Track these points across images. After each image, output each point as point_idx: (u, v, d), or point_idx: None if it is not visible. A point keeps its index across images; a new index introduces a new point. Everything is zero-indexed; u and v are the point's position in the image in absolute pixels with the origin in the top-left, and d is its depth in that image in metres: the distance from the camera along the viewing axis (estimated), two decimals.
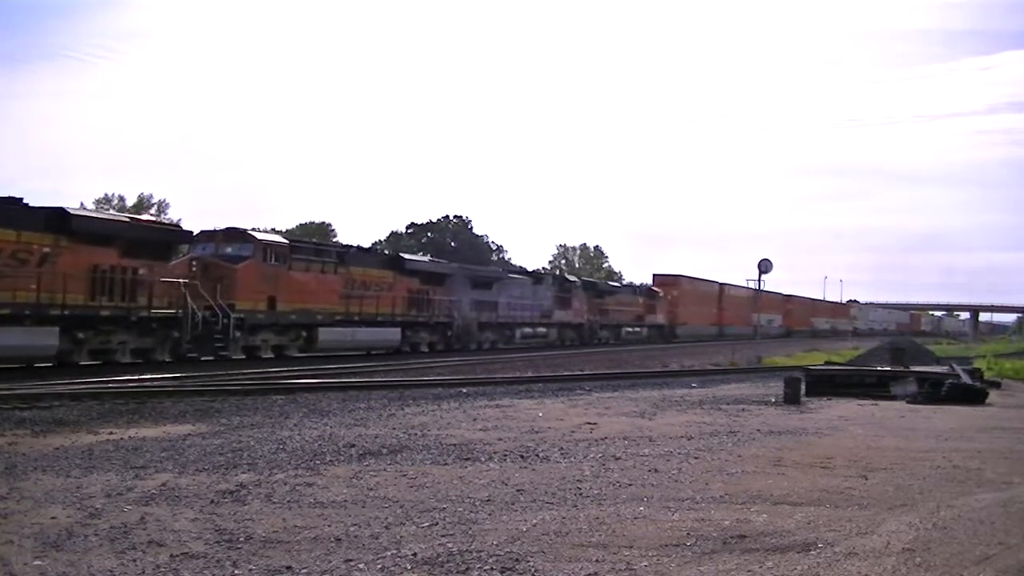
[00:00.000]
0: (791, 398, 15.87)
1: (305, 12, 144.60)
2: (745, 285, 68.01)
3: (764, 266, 35.65)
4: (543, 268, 50.75)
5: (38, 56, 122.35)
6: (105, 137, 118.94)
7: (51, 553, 5.10)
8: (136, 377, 16.60)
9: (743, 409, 14.59)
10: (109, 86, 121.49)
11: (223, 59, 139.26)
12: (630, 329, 51.55)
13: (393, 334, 29.56)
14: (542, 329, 41.47)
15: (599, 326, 47.17)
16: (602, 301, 48.20)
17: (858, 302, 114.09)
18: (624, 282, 69.93)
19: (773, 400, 16.20)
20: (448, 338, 32.96)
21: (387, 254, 36.93)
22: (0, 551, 5.15)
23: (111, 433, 9.95)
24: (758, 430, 11.76)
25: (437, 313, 32.16)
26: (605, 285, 53.34)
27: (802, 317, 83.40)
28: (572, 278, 47.99)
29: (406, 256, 33.77)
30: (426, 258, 39.82)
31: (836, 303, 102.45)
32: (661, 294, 56.98)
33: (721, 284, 66.61)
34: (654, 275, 61.44)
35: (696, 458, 9.21)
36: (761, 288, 41.12)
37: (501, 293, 37.30)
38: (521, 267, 55.80)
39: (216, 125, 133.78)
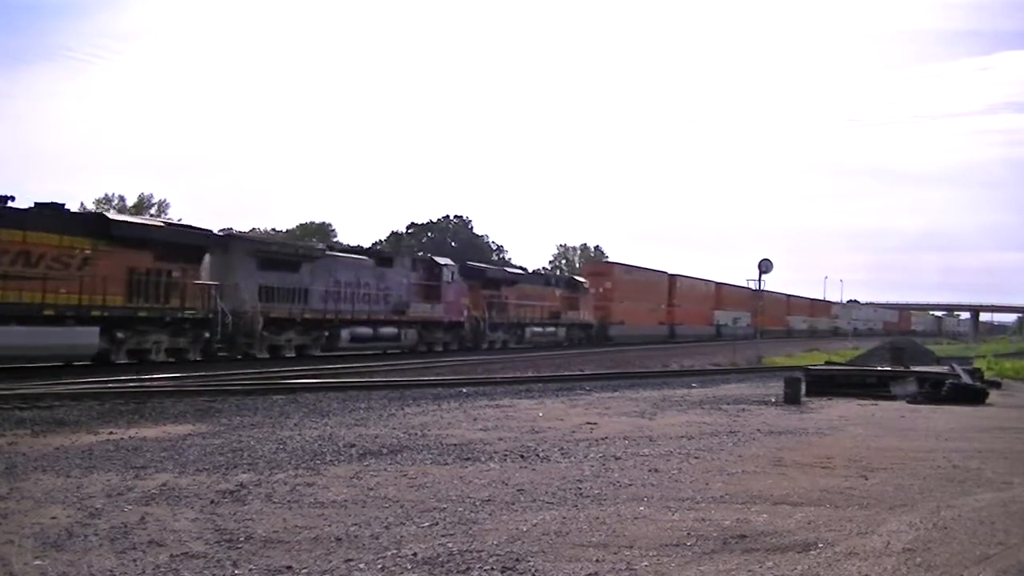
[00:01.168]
0: (791, 398, 15.87)
1: (305, 12, 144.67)
2: (703, 278, 62.58)
3: (764, 266, 35.63)
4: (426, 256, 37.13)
5: (38, 56, 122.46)
6: (105, 137, 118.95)
7: (51, 553, 5.10)
8: (136, 377, 16.61)
9: (743, 409, 14.59)
10: (109, 86, 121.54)
11: (223, 59, 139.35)
12: (539, 329, 40.13)
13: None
14: (390, 329, 29.70)
15: (491, 325, 36.19)
16: (495, 293, 37.11)
17: (858, 302, 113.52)
18: (541, 270, 59.30)
19: (773, 400, 16.19)
20: (207, 343, 22.52)
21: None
22: (0, 551, 5.14)
23: (111, 433, 9.94)
24: (758, 430, 11.76)
25: (182, 302, 21.61)
26: (500, 272, 41.31)
27: (776, 315, 72.61)
28: (444, 261, 34.21)
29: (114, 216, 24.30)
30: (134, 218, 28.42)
31: (815, 300, 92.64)
32: (587, 285, 45.95)
33: (672, 275, 57.47)
34: (584, 264, 54.63)
35: (696, 458, 9.21)
36: (762, 288, 40.10)
37: (315, 278, 26.51)
38: (359, 246, 39.55)
39: (216, 125, 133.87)
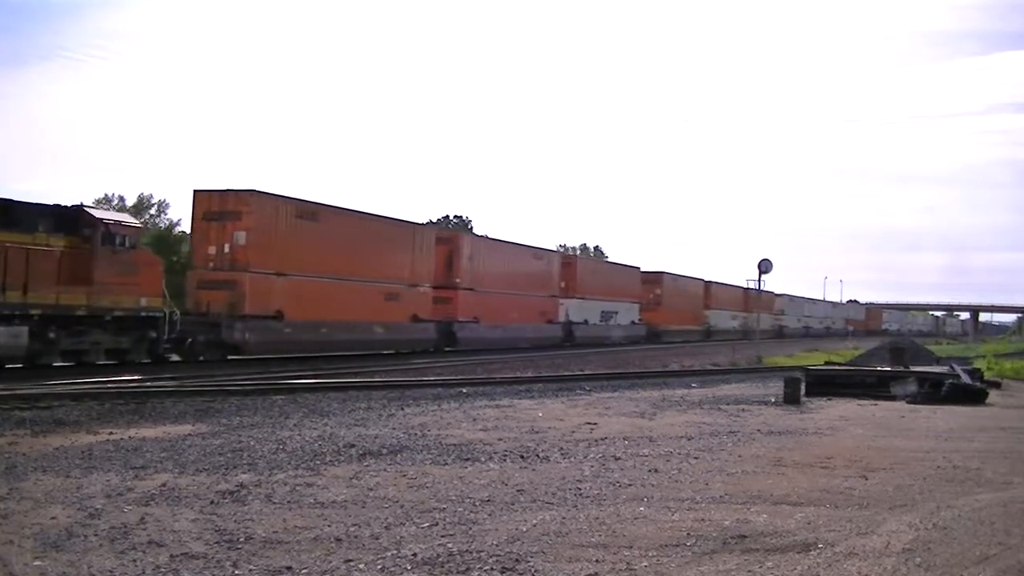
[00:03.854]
0: (791, 398, 15.86)
1: (305, 11, 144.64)
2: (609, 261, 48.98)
3: (764, 266, 35.57)
4: None
5: (36, 56, 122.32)
6: (104, 137, 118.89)
7: (51, 553, 5.10)
8: (136, 377, 16.59)
9: (743, 409, 14.58)
10: (108, 86, 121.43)
11: (223, 59, 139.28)
12: None
13: None
14: None
15: None
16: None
17: (858, 301, 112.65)
18: None
19: (773, 400, 16.19)
20: None
21: None
22: (0, 551, 5.14)
23: (111, 433, 9.94)
24: (758, 430, 11.76)
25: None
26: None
27: (686, 309, 55.24)
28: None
29: None
30: None
31: (750, 290, 55.77)
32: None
33: (567, 256, 46.35)
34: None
35: (696, 458, 9.21)
36: (761, 288, 39.03)
37: None
38: None
39: (215, 125, 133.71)
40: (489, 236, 37.29)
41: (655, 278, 51.84)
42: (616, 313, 45.70)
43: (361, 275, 27.32)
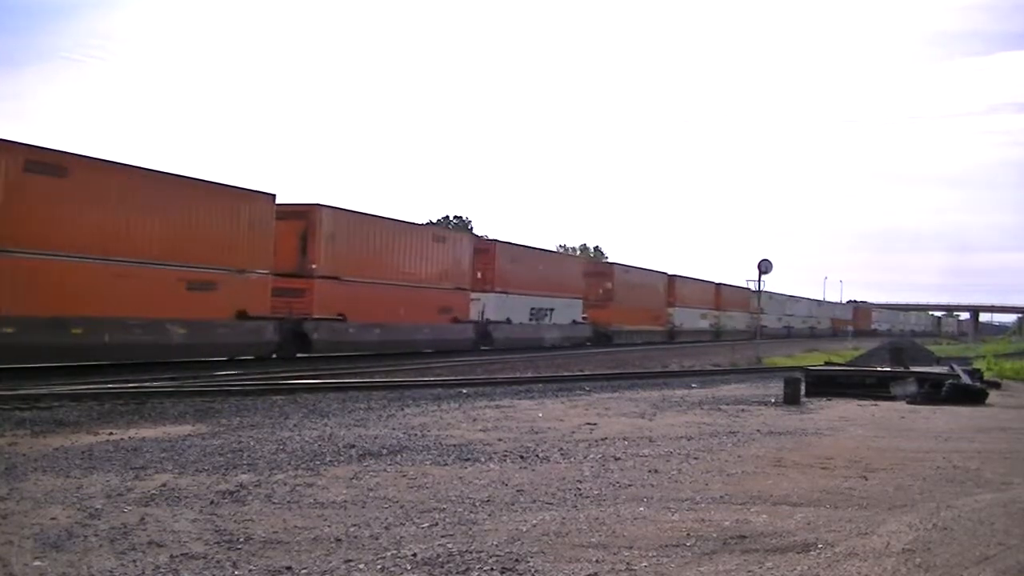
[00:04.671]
0: (791, 398, 15.86)
1: (304, 11, 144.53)
2: (531, 246, 37.50)
3: (764, 266, 35.54)
4: None
5: (33, 57, 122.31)
6: (104, 137, 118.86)
7: (51, 553, 5.10)
8: (136, 377, 16.59)
9: (743, 409, 14.58)
10: (107, 86, 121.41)
11: (222, 59, 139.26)
12: None
13: None
14: None
15: None
16: None
17: (858, 302, 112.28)
18: None
19: (773, 400, 16.18)
20: None
21: None
22: (0, 551, 5.15)
23: (111, 434, 9.94)
24: (758, 430, 11.76)
25: None
26: None
27: (643, 307, 46.65)
28: None
29: None
30: None
31: (724, 285, 59.98)
32: None
33: (492, 242, 37.50)
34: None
35: (696, 458, 9.21)
36: (761, 289, 38.59)
37: None
38: None
39: (214, 125, 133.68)
40: (362, 211, 27.33)
41: (604, 270, 45.88)
42: (551, 311, 38.16)
43: (148, 255, 19.56)
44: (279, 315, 23.52)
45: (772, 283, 59.92)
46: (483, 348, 32.38)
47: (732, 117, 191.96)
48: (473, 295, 32.62)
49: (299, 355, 24.22)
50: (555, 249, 70.47)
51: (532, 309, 36.82)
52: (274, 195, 23.50)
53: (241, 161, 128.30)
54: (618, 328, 43.91)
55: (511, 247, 37.23)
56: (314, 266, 24.83)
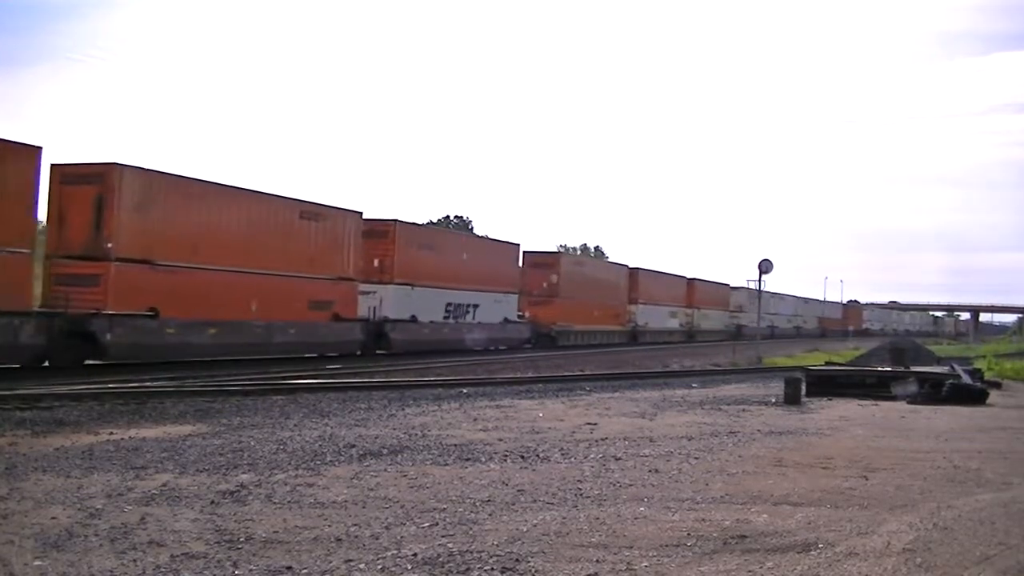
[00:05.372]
0: (791, 398, 15.86)
1: (304, 11, 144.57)
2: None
3: (765, 266, 35.51)
4: None
5: (35, 58, 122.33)
6: (103, 137, 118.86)
7: (51, 553, 5.10)
8: (136, 377, 16.58)
9: (743, 409, 14.58)
10: (108, 86, 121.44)
11: (222, 59, 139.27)
12: None
13: None
14: None
15: None
16: None
17: (858, 301, 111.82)
18: None
19: (773, 400, 16.18)
20: None
21: None
22: (0, 551, 5.15)
23: (111, 433, 9.94)
24: (759, 430, 11.76)
25: None
26: None
27: (595, 303, 41.44)
28: None
29: None
30: None
31: (697, 280, 55.09)
32: None
33: (396, 223, 28.72)
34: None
35: (696, 458, 9.21)
36: (762, 289, 38.58)
37: None
38: None
39: (214, 125, 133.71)
40: (190, 176, 21.40)
41: (548, 261, 39.51)
42: (476, 307, 32.27)
43: None
44: (57, 309, 17.82)
45: (772, 283, 57.99)
46: (378, 352, 27.19)
47: (732, 117, 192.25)
48: (364, 287, 26.92)
49: (88, 362, 18.67)
50: (555, 248, 67.68)
51: (449, 305, 30.86)
52: (40, 147, 17.34)
53: (241, 161, 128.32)
54: (564, 328, 38.52)
55: (418, 229, 31.23)
56: (110, 245, 18.89)
